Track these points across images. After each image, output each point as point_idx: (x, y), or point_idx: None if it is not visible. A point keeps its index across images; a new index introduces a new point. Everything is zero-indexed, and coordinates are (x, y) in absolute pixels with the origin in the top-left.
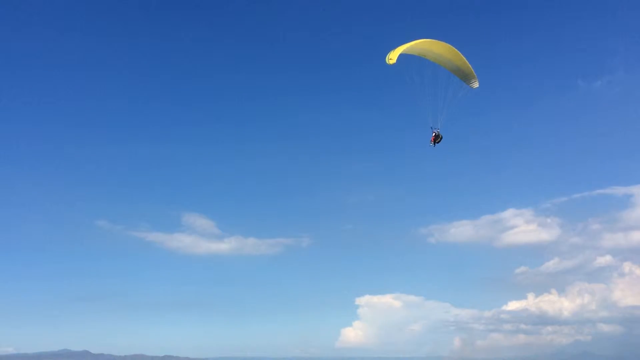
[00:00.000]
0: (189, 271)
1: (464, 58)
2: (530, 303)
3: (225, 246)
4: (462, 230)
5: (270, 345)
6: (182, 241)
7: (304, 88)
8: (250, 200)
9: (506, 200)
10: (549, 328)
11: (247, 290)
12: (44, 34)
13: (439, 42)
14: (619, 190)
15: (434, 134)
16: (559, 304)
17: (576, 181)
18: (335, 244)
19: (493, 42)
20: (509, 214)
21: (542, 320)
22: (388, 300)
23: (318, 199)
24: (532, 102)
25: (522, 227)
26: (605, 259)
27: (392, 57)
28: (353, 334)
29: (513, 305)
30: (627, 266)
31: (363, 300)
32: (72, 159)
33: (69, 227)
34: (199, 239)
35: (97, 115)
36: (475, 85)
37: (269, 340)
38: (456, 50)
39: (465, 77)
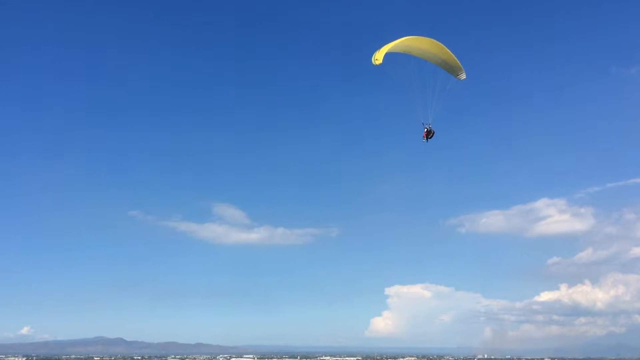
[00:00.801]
0: (219, 261)
1: (449, 51)
2: (563, 294)
3: (255, 236)
4: (493, 221)
5: (300, 334)
6: (213, 231)
7: (334, 76)
8: (279, 190)
9: (538, 190)
10: (582, 319)
11: (277, 280)
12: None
13: (423, 37)
14: None
15: (425, 129)
16: (593, 295)
17: (610, 170)
18: (364, 234)
19: (526, 24)
20: (541, 203)
21: (575, 311)
22: (418, 290)
23: (347, 189)
24: (566, 89)
25: (555, 217)
26: None
27: (378, 57)
28: (382, 324)
29: (545, 296)
30: None
31: (392, 290)
32: (106, 151)
33: (103, 217)
34: (229, 228)
35: (130, 108)
36: (463, 76)
37: (298, 329)
38: (441, 44)
39: (452, 70)
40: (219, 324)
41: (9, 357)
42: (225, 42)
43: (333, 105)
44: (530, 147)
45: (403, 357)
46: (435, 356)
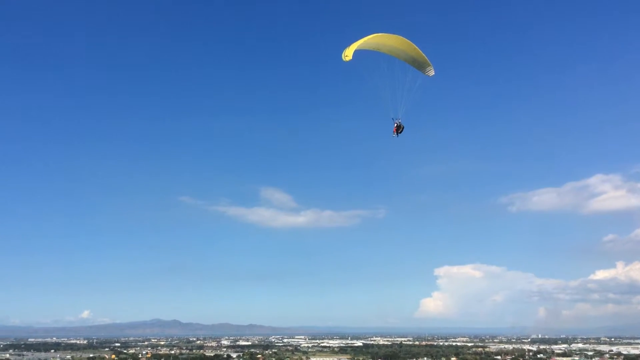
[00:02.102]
0: (268, 244)
1: (418, 48)
2: (619, 272)
3: (302, 219)
4: (545, 198)
5: (350, 316)
6: (260, 215)
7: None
8: (325, 173)
9: (592, 166)
10: None
11: (326, 262)
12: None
13: (392, 35)
14: None
15: (395, 124)
16: None
17: None
18: (412, 214)
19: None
20: (595, 180)
21: (632, 289)
22: (468, 270)
23: (392, 168)
24: (618, 60)
25: (610, 193)
26: None
27: (348, 53)
28: (432, 305)
29: (601, 275)
30: None
31: (442, 270)
32: (156, 138)
33: (155, 203)
34: (276, 212)
35: (177, 94)
36: (431, 73)
37: (348, 311)
38: (409, 41)
39: (421, 67)
40: (271, 306)
41: (71, 340)
42: (268, 24)
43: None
44: (583, 122)
45: (454, 338)
46: (487, 337)
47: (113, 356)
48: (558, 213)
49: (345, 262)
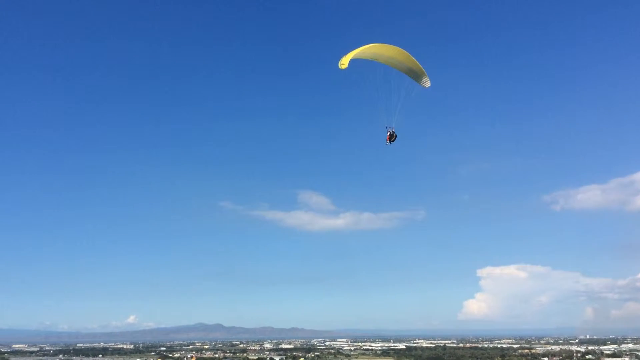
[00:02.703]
0: (308, 247)
1: (414, 59)
2: None
3: (341, 222)
4: (589, 196)
5: (391, 318)
6: (299, 218)
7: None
8: (363, 175)
9: (638, 161)
10: None
11: (366, 264)
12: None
13: (390, 45)
14: None
15: (388, 133)
16: None
17: None
18: (452, 215)
19: None
20: None
21: None
22: (512, 271)
23: (431, 169)
24: None
25: None
26: None
27: (344, 62)
28: (476, 306)
29: None
30: None
31: (485, 271)
32: (195, 143)
33: (196, 209)
34: (315, 215)
35: (214, 100)
36: (427, 84)
37: (390, 313)
38: (406, 52)
39: (417, 77)
40: (313, 309)
41: (118, 344)
42: (302, 28)
43: None
44: (626, 116)
45: (499, 340)
46: (533, 338)
47: (159, 359)
48: (603, 210)
49: (386, 265)
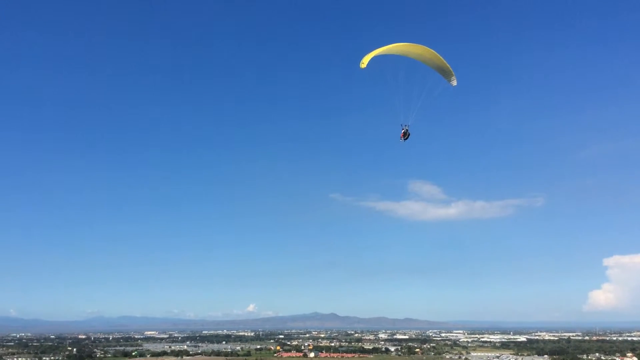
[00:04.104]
0: (419, 237)
1: (443, 58)
2: None
3: (453, 211)
4: None
5: (509, 310)
6: (410, 208)
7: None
8: (475, 162)
9: None
10: None
11: (481, 254)
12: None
13: (419, 45)
14: None
15: (403, 130)
16: None
17: None
18: (575, 201)
19: None
20: None
21: None
22: None
23: (550, 153)
24: None
25: None
26: None
27: (364, 61)
28: (602, 297)
29: None
30: None
31: (612, 260)
32: (304, 139)
33: (307, 201)
34: (426, 205)
35: (316, 97)
36: (454, 83)
37: (508, 305)
38: (434, 51)
39: (446, 75)
40: (427, 300)
41: (239, 331)
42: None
43: (528, 60)
44: None
45: (629, 333)
46: None
47: (278, 347)
48: None
49: (502, 254)
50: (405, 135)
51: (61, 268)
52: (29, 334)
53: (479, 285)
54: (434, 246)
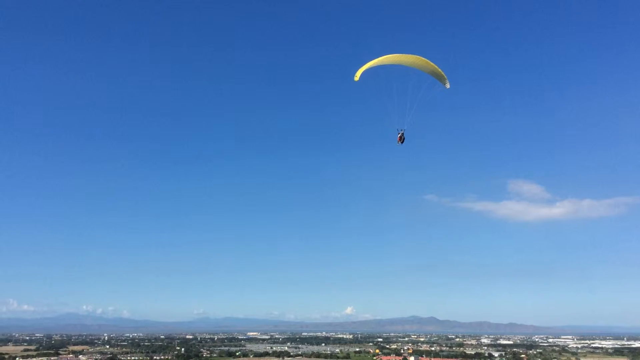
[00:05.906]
0: (522, 239)
1: (435, 65)
2: None
3: (558, 210)
4: None
5: (624, 314)
6: (510, 209)
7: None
8: (580, 157)
9: None
10: None
11: (590, 256)
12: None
13: (411, 55)
14: None
15: (399, 134)
16: None
17: None
18: None
19: None
20: None
21: None
22: None
23: None
24: None
25: None
26: None
27: (357, 74)
28: None
29: None
30: None
31: None
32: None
33: (401, 203)
34: (528, 205)
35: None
36: (448, 85)
37: (622, 309)
38: (426, 59)
39: (440, 78)
40: (532, 304)
41: (338, 334)
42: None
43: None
44: None
45: None
46: None
47: (377, 350)
48: None
49: (613, 255)
50: (402, 139)
51: (171, 272)
52: (141, 334)
53: (589, 288)
54: (539, 248)
